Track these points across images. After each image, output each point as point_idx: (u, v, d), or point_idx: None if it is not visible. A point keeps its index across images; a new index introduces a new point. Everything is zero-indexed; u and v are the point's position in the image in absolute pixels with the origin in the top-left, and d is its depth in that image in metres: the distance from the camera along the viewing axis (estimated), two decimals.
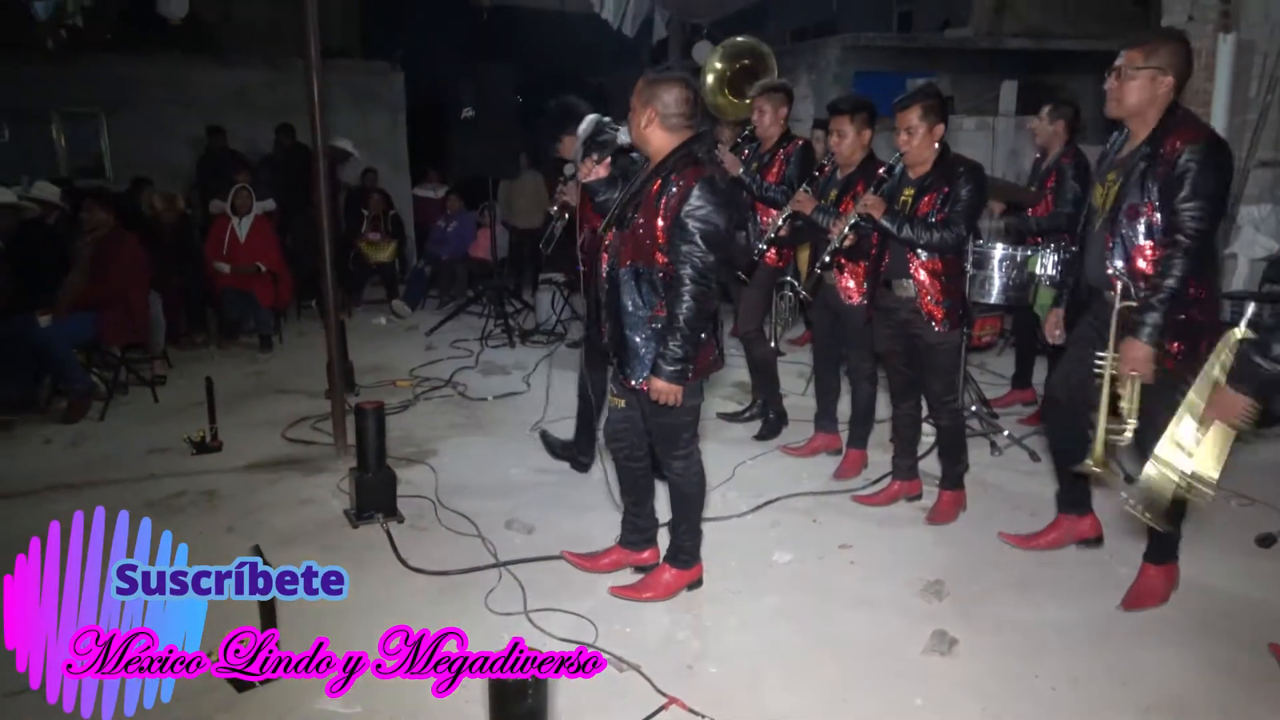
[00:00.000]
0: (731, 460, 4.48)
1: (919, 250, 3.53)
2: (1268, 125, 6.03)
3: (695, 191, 2.73)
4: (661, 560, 3.27)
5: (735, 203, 2.87)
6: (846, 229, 3.67)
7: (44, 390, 5.43)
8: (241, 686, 2.64)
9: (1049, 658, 2.82)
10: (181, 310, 6.90)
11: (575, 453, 4.38)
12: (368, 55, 12.26)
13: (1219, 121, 6.21)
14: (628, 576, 3.30)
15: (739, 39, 7.71)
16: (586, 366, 3.84)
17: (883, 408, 4.30)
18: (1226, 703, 2.61)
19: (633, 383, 2.92)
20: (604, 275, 2.96)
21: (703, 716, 2.51)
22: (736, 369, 5.67)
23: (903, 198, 3.64)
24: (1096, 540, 3.50)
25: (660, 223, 2.79)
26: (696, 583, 3.23)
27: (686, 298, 2.73)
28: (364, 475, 3.74)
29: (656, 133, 2.86)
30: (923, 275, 3.55)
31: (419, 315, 8.19)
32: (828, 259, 3.83)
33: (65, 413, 5.20)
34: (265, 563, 2.61)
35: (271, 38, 10.90)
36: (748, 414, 5.14)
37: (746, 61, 7.48)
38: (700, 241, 2.72)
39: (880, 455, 4.32)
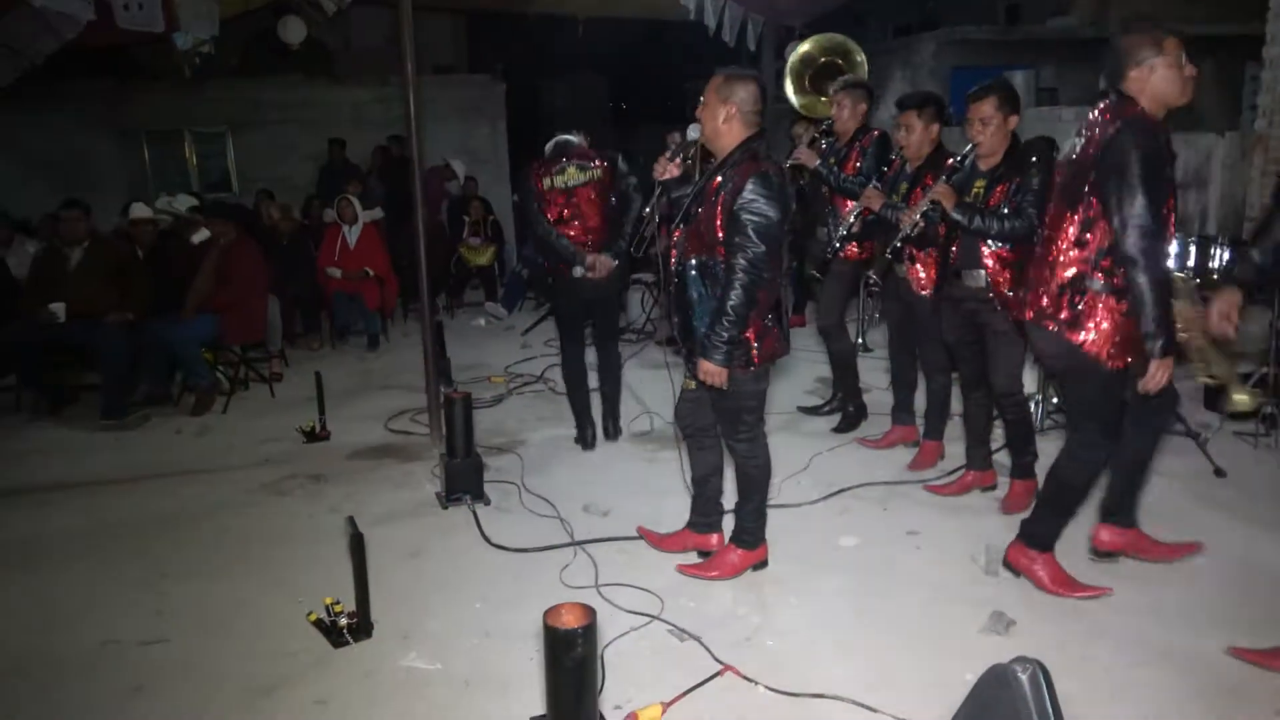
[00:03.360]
0: (809, 451, 4.58)
1: (989, 239, 3.56)
2: None
3: (749, 185, 2.87)
4: (728, 541, 3.40)
5: (789, 197, 2.99)
6: (917, 216, 3.73)
7: (176, 386, 5.95)
8: (337, 643, 2.90)
9: (1108, 641, 2.83)
10: (297, 313, 7.40)
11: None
12: (472, 69, 12.79)
13: None
14: (695, 557, 3.45)
15: (835, 35, 7.73)
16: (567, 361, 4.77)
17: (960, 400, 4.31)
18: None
19: (700, 372, 3.07)
20: (673, 270, 3.13)
21: (755, 683, 2.64)
22: (820, 364, 5.75)
23: (974, 189, 3.68)
24: None
25: (719, 216, 2.94)
26: (762, 563, 3.36)
27: (737, 287, 2.87)
28: (453, 460, 4.00)
29: (735, 127, 3.01)
30: (993, 264, 3.58)
31: (516, 316, 8.51)
32: (899, 244, 3.91)
33: (193, 406, 5.68)
34: (357, 530, 2.87)
35: (387, 57, 11.53)
36: (828, 408, 5.20)
37: (839, 61, 7.51)
38: (752, 234, 2.86)
39: (957, 447, 4.31)
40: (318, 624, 3.00)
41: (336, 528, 3.78)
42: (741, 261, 2.86)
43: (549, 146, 4.65)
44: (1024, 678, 1.03)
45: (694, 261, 3.03)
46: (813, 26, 9.62)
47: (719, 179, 2.98)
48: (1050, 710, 0.98)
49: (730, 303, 2.88)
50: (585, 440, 4.83)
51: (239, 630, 3.04)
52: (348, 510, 3.97)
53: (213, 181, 10.98)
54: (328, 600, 3.00)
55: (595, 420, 4.90)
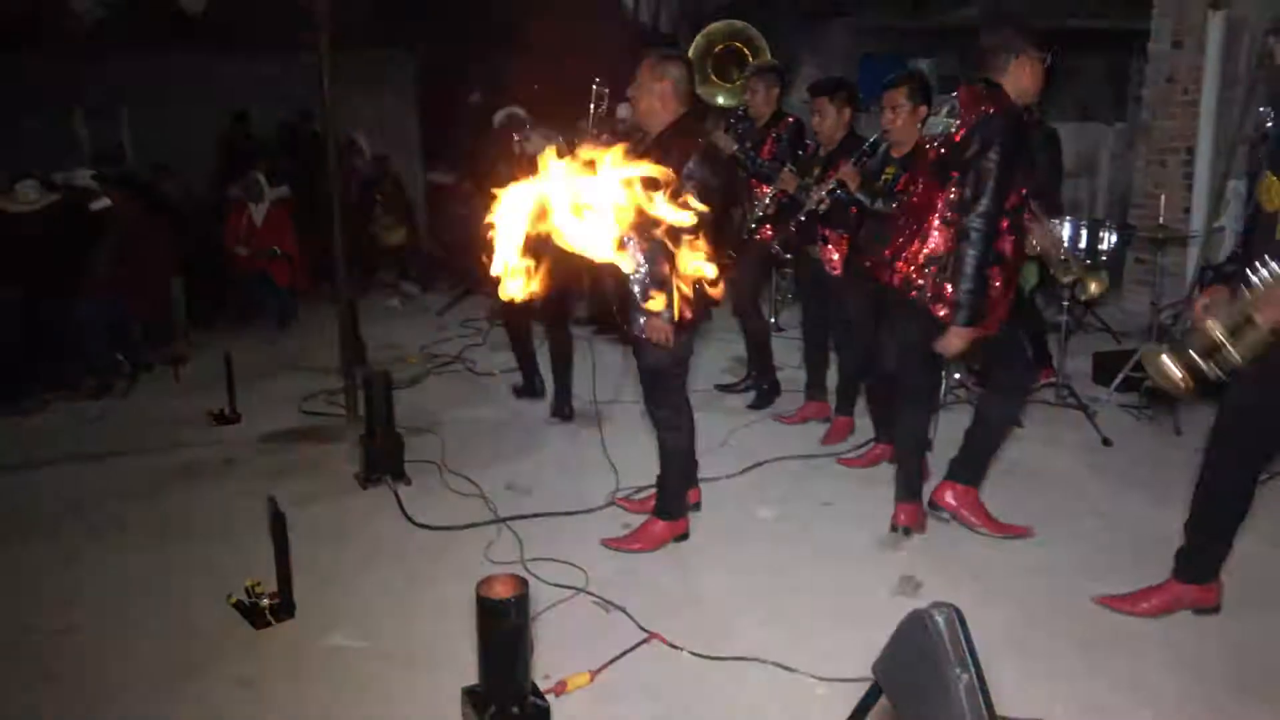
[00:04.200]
0: (726, 427, 4.69)
1: None
2: (1256, 100, 6.12)
3: (694, 156, 3.07)
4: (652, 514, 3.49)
5: (725, 168, 3.21)
6: (824, 194, 3.89)
7: (74, 368, 5.69)
8: (259, 625, 2.87)
9: (1006, 599, 3.02)
10: (201, 293, 7.14)
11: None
12: (382, 42, 12.45)
13: (1209, 97, 6.34)
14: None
15: (733, 21, 7.81)
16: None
17: None
18: (1168, 637, 2.79)
19: (635, 331, 3.22)
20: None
21: (679, 649, 2.73)
22: (735, 344, 5.87)
23: (885, 175, 3.85)
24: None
25: None
26: (683, 536, 3.46)
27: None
28: (372, 439, 3.97)
29: (671, 104, 3.17)
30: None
31: (430, 297, 8.42)
32: (803, 218, 4.06)
33: (93, 389, 5.46)
34: (278, 510, 2.84)
35: (294, 28, 11.14)
36: (743, 386, 5.34)
37: (739, 45, 7.57)
38: (697, 200, 3.00)
39: (868, 421, 4.50)
40: (238, 606, 2.95)
41: (252, 510, 3.70)
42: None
43: (500, 116, 4.60)
44: (940, 620, 1.12)
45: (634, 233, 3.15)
46: (728, 9, 9.73)
47: (660, 151, 3.12)
48: (965, 648, 1.08)
49: None
50: (534, 389, 4.94)
51: (155, 615, 2.98)
52: (263, 493, 3.88)
53: (105, 156, 10.44)
54: (249, 582, 2.96)
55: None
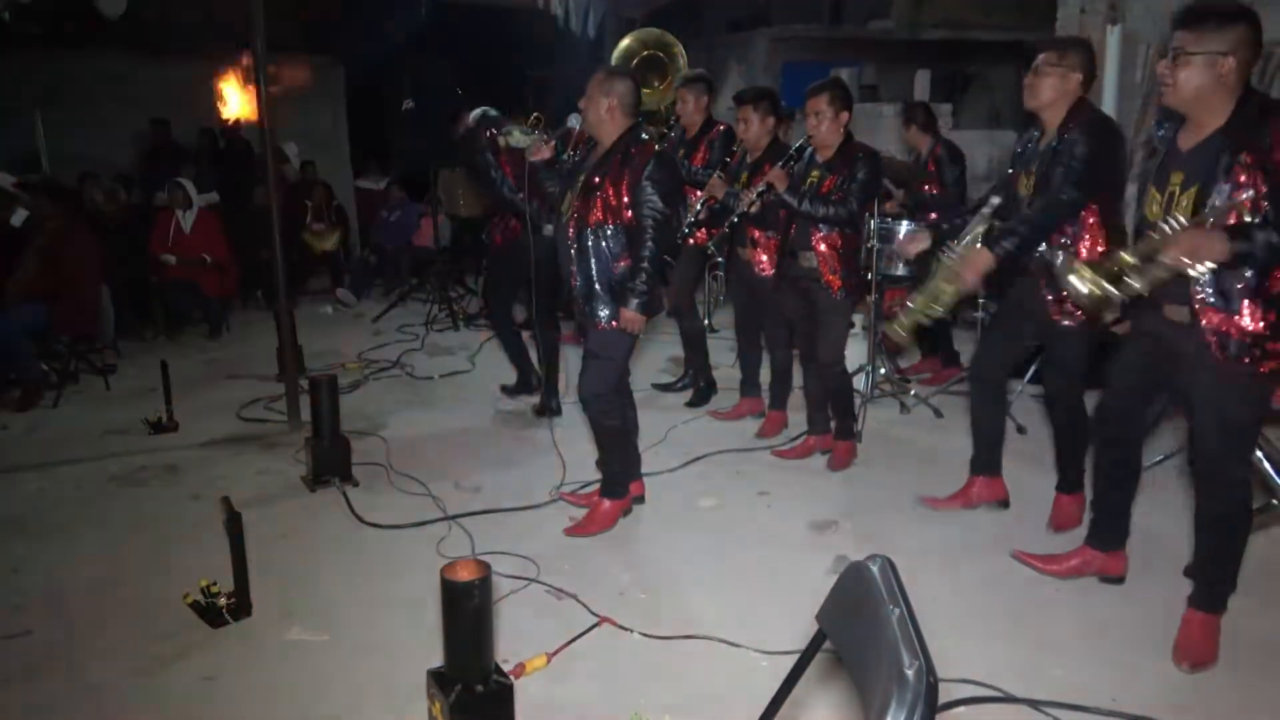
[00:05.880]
0: (666, 424, 4.85)
1: (819, 225, 3.96)
2: (1151, 110, 6.56)
3: (651, 162, 3.31)
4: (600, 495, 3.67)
5: (679, 171, 3.69)
6: (754, 196, 4.10)
7: None
8: (216, 623, 2.92)
9: (936, 576, 3.24)
10: (128, 302, 7.03)
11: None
12: (309, 49, 12.33)
13: (1109, 107, 6.74)
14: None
15: (652, 29, 8.02)
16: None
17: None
18: (1079, 603, 3.04)
19: (601, 324, 3.40)
20: (571, 238, 3.44)
21: (630, 630, 2.88)
22: (672, 345, 6.05)
23: (810, 178, 4.06)
24: (1003, 504, 3.80)
25: (625, 187, 3.33)
26: (629, 510, 3.67)
27: (649, 242, 3.31)
28: (320, 442, 4.02)
29: (618, 117, 3.40)
30: (823, 248, 3.98)
31: (365, 303, 8.40)
32: (736, 219, 4.31)
33: (18, 401, 5.34)
34: (234, 510, 2.89)
35: (210, 33, 10.95)
36: (680, 384, 5.51)
37: (659, 54, 7.76)
38: (657, 199, 3.31)
39: (799, 415, 4.71)
40: (194, 606, 2.99)
41: (200, 514, 3.76)
42: (650, 221, 3.30)
43: (475, 115, 4.63)
44: (875, 569, 1.29)
45: (605, 230, 3.36)
46: (654, 18, 9.95)
47: (620, 157, 3.35)
48: (898, 592, 1.24)
49: (646, 256, 3.31)
50: (530, 385, 5.06)
51: (109, 617, 2.99)
52: (210, 497, 3.92)
53: (17, 162, 10.11)
54: (203, 582, 3.00)
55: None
